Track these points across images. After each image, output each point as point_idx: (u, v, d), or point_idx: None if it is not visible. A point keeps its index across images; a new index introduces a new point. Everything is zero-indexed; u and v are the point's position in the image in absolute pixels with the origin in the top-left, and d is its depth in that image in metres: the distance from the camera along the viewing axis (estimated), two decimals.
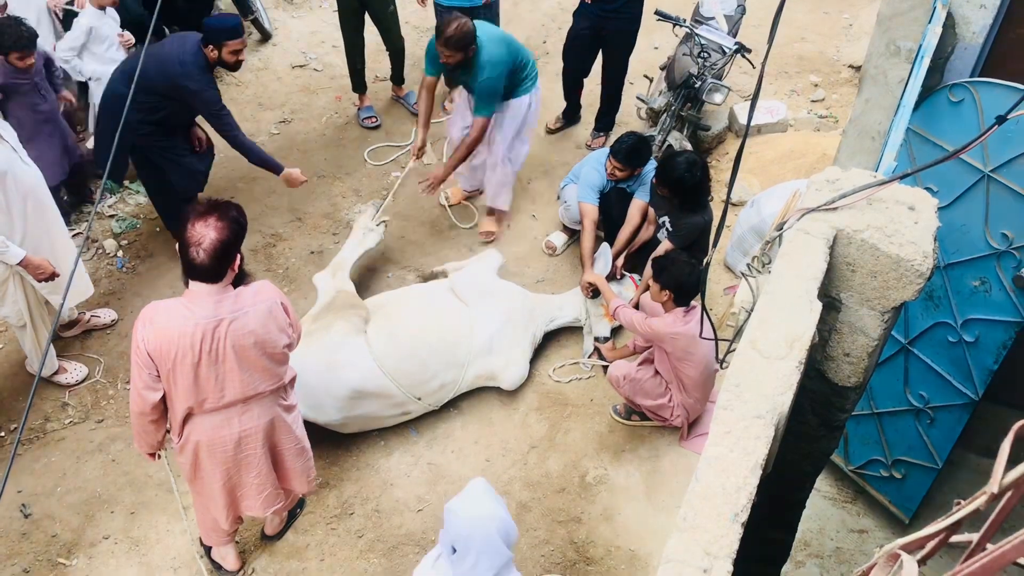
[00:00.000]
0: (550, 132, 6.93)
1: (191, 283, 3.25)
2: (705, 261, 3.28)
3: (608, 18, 6.10)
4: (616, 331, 5.39)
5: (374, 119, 6.91)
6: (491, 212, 6.11)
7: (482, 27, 5.27)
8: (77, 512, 4.47)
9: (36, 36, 5.01)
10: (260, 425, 3.56)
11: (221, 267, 3.19)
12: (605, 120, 6.80)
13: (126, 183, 6.16)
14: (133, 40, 5.69)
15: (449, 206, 6.26)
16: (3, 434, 4.80)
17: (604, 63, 6.47)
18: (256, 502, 3.78)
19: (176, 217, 5.60)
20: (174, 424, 3.52)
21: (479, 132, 5.43)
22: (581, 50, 6.40)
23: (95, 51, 5.77)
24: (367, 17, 6.49)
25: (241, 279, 3.37)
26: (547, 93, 6.80)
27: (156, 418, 3.46)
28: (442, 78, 5.77)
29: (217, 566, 4.23)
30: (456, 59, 5.15)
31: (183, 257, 3.18)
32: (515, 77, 5.47)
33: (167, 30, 6.27)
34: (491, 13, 6.37)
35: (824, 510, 5.42)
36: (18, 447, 4.63)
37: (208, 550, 4.22)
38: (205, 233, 3.12)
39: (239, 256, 3.27)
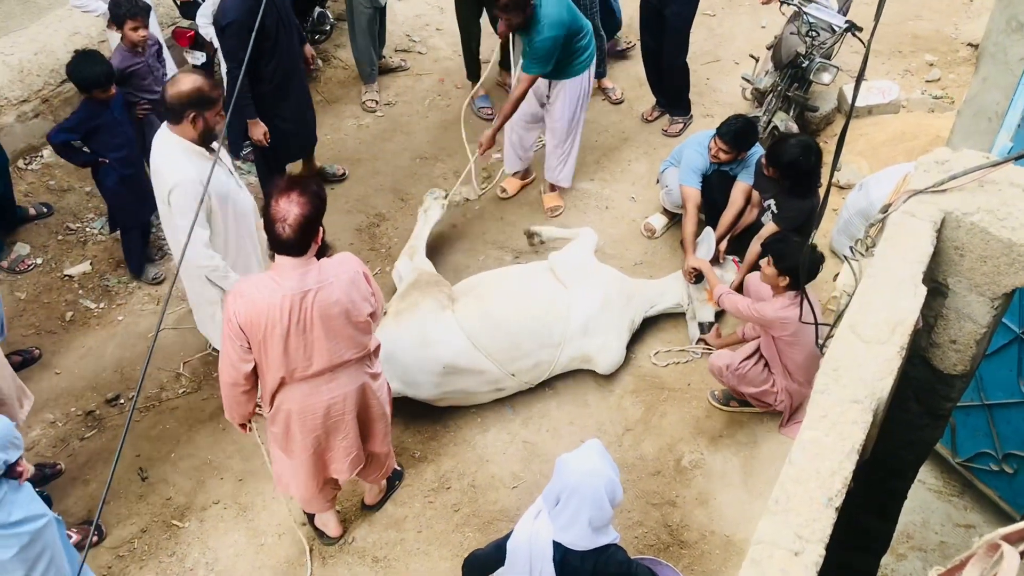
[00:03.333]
0: (647, 122, 6.81)
1: (277, 257, 3.40)
2: (807, 245, 3.24)
3: None
4: (720, 315, 5.32)
5: (489, 110, 6.74)
6: (553, 188, 6.08)
7: None
8: (189, 477, 4.70)
9: (149, 7, 5.20)
10: (348, 392, 3.68)
11: (306, 240, 3.33)
12: (671, 102, 6.59)
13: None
14: None
15: (509, 198, 6.17)
16: (123, 401, 5.07)
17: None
18: (344, 464, 3.90)
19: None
20: (265, 395, 3.67)
21: (526, 86, 5.25)
22: (648, 21, 6.26)
23: None
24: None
25: (324, 252, 3.52)
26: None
27: (247, 389, 3.62)
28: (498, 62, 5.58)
29: (320, 533, 4.38)
30: (516, 21, 4.99)
31: (269, 232, 3.33)
32: (571, 43, 5.27)
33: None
34: None
35: (928, 502, 5.25)
36: (134, 414, 4.90)
37: (311, 518, 4.38)
38: (289, 209, 3.25)
39: (321, 230, 3.40)
